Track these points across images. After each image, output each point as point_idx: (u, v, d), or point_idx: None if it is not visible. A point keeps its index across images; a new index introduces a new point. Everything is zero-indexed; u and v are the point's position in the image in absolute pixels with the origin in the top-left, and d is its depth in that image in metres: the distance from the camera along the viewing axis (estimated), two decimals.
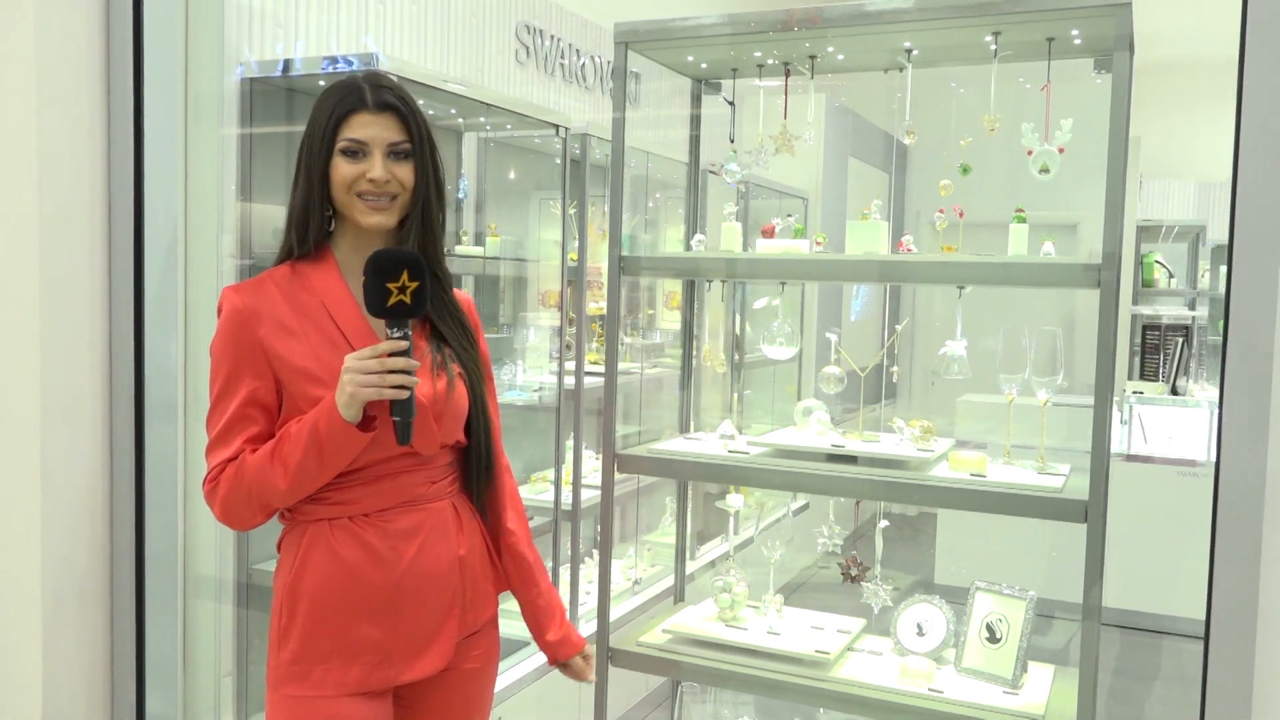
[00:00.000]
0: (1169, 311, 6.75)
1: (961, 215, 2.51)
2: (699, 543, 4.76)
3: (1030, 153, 2.42)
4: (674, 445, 2.70)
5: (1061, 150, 2.39)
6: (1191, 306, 7.18)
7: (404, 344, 1.63)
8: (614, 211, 2.57)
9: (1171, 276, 7.35)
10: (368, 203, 1.71)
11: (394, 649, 1.72)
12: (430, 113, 3.51)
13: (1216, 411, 1.77)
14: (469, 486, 1.84)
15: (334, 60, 2.88)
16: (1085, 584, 2.19)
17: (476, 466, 1.82)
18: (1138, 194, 7.27)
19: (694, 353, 2.95)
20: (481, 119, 3.68)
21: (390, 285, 1.62)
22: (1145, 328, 6.83)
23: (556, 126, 3.74)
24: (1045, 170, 2.40)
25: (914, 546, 5.42)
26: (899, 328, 2.65)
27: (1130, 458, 5.40)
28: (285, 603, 1.71)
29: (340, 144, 1.70)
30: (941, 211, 2.53)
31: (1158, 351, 6.60)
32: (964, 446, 2.64)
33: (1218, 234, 8.23)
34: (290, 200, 1.74)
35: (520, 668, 3.56)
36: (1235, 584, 1.99)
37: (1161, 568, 5.14)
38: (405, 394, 1.63)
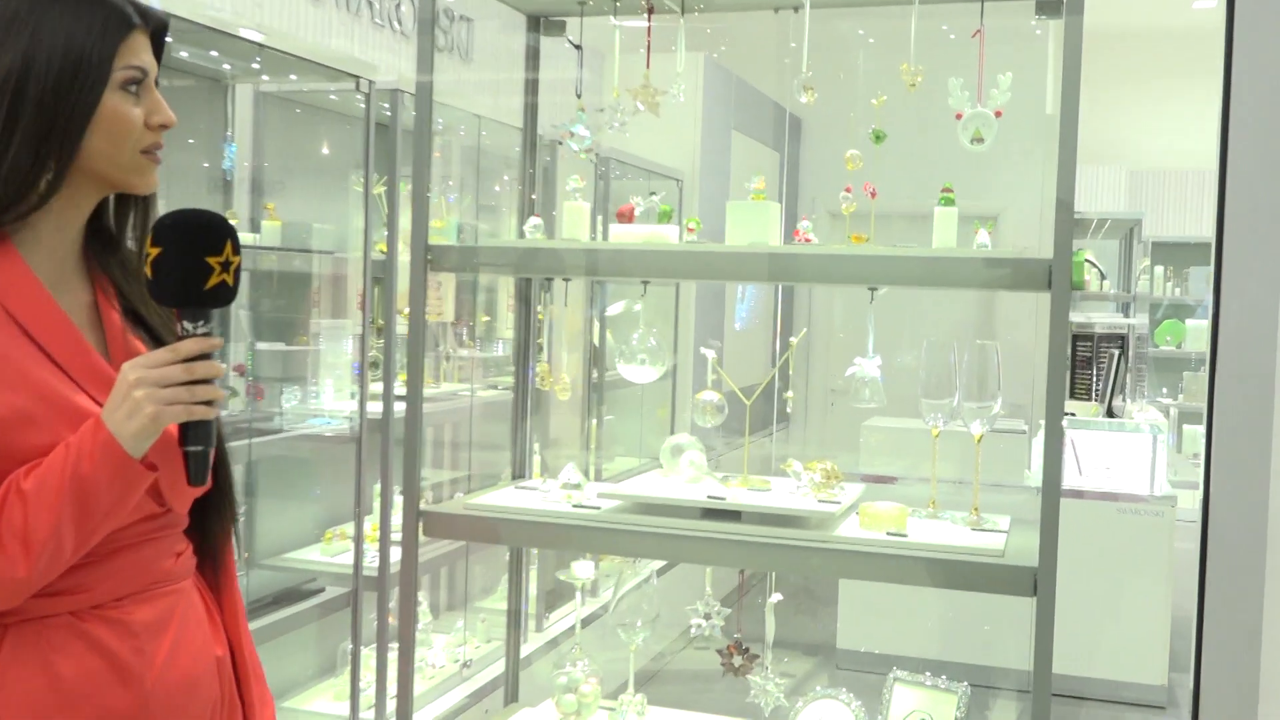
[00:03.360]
0: (1102, 319, 6.79)
1: (874, 195, 2.34)
2: (548, 609, 4.47)
3: (959, 116, 2.23)
4: (500, 498, 2.43)
5: (999, 113, 2.23)
6: (1127, 313, 7.25)
7: (217, 341, 1.42)
8: (418, 186, 2.31)
9: (1104, 278, 7.42)
10: (152, 157, 1.49)
11: None
12: (182, 54, 3.13)
13: (1202, 443, 1.67)
14: (209, 554, 1.59)
15: None
16: (1035, 670, 2.01)
17: (221, 521, 1.58)
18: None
19: (531, 373, 2.67)
20: (254, 64, 3.33)
21: (212, 260, 1.40)
22: (1075, 338, 6.85)
23: (356, 79, 3.45)
24: (978, 139, 2.24)
25: (812, 617, 5.24)
26: (794, 341, 2.42)
27: (1062, 492, 5.34)
28: None
29: (120, 73, 1.43)
30: (848, 190, 2.34)
31: (1090, 366, 6.64)
32: (872, 481, 2.45)
33: (1155, 228, 8.41)
34: None
35: None
36: (1228, 647, 1.85)
37: (1097, 622, 5.08)
38: (214, 412, 1.42)
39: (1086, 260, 7.26)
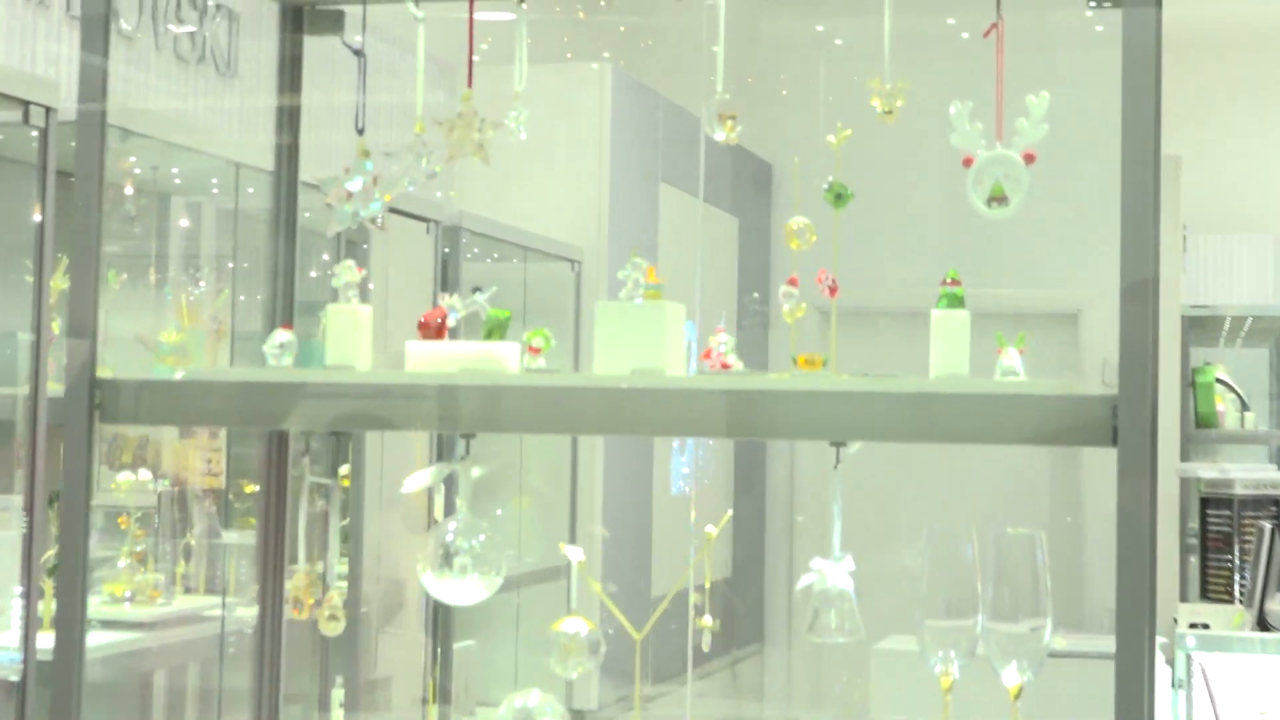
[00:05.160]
0: (1246, 474, 6.78)
1: (834, 293, 2.35)
2: None
3: (969, 162, 2.22)
4: None
5: (1031, 158, 2.20)
6: None
7: None
8: (78, 279, 2.32)
9: (1246, 409, 7.45)
10: None
11: None
12: None
13: None
14: None
15: None
16: None
17: None
18: (1181, 258, 7.39)
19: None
20: None
21: None
22: (1206, 502, 6.83)
23: (25, 106, 3.52)
24: (999, 198, 2.20)
25: None
26: (713, 531, 2.36)
27: None
28: None
29: None
30: (793, 284, 2.35)
31: (1229, 547, 6.60)
32: None
33: None
34: None
35: None
36: None
37: None
38: None
39: (1218, 381, 7.28)
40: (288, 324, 2.51)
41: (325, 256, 4.80)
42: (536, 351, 2.33)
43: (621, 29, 6.40)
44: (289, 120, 2.76)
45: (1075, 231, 6.35)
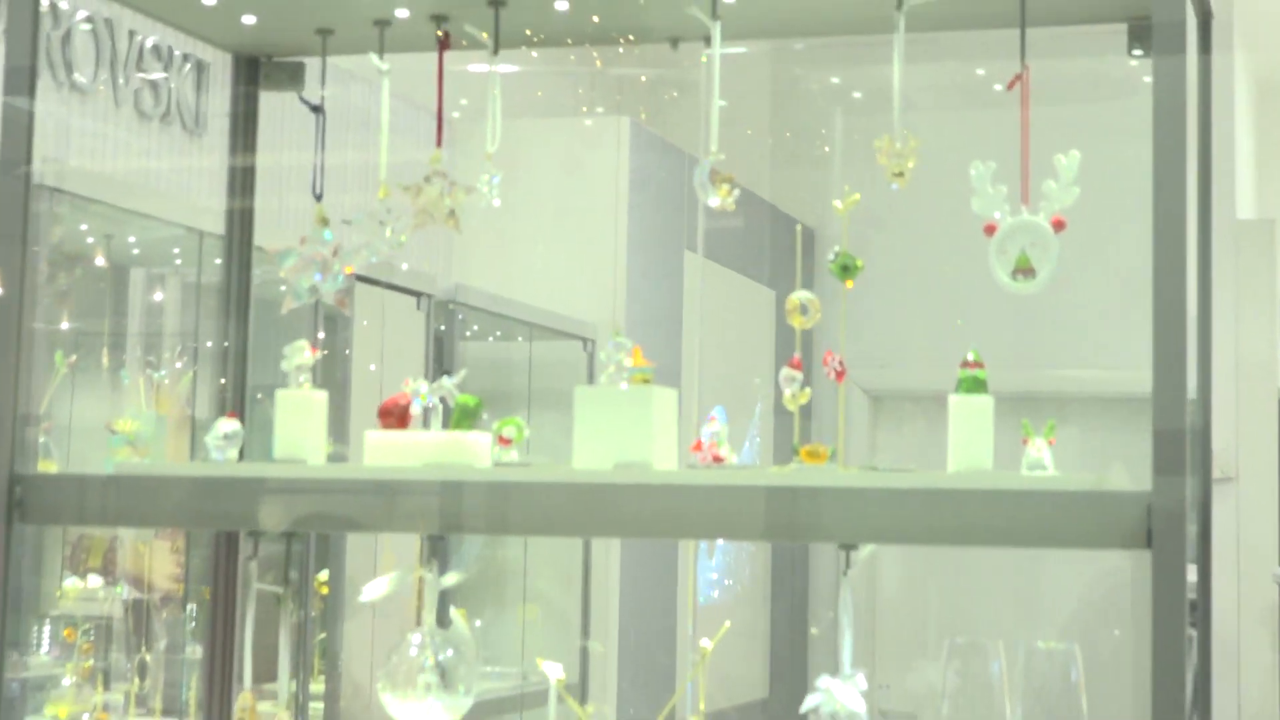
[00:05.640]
0: None
1: (841, 376, 2.35)
2: None
3: (991, 229, 2.25)
4: None
5: (1060, 224, 2.23)
6: None
7: None
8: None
9: None
10: None
11: None
12: None
13: None
14: None
15: None
16: None
17: None
18: (1277, 335, 7.36)
19: None
20: None
21: None
22: None
23: None
24: (1026, 270, 2.21)
25: None
26: (708, 646, 2.37)
27: None
28: None
29: None
30: (796, 366, 2.36)
31: None
32: None
33: None
34: None
35: None
36: None
37: None
38: None
39: None
40: (234, 412, 2.52)
41: (322, 334, 4.79)
42: (507, 443, 2.34)
43: (643, 79, 6.40)
44: (242, 183, 2.78)
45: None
